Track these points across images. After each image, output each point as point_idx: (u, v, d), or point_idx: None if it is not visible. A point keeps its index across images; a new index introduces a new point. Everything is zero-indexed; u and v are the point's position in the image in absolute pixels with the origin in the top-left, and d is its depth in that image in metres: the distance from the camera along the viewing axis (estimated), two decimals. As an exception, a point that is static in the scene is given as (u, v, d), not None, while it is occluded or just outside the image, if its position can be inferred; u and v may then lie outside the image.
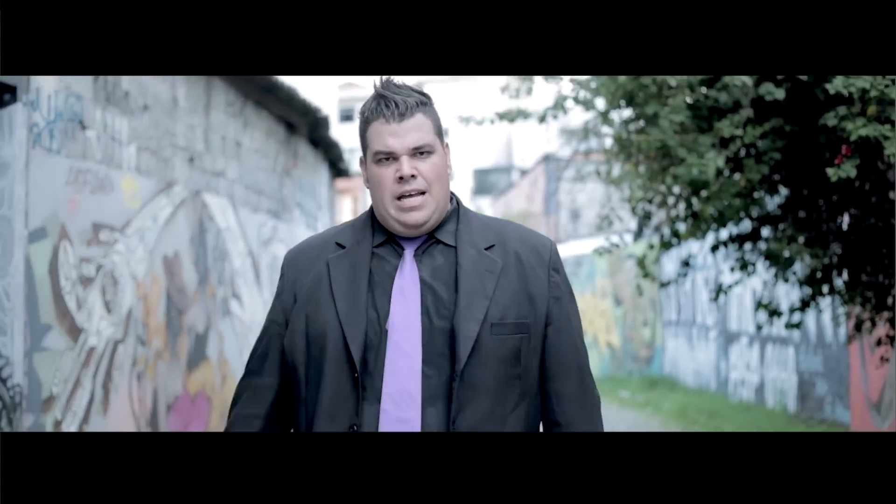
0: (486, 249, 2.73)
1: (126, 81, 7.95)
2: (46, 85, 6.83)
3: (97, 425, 7.26)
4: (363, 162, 2.81)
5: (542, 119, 7.18)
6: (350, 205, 35.58)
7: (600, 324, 22.92)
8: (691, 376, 18.30)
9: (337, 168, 17.26)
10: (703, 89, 6.24)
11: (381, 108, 2.70)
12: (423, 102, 2.74)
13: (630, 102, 6.85)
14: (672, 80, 5.95)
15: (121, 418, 7.64)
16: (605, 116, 7.18)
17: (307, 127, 14.01)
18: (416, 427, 2.63)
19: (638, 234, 8.24)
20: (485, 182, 42.07)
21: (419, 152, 2.71)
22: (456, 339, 2.62)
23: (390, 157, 2.70)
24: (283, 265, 2.90)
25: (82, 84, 7.27)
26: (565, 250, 23.32)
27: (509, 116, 7.47)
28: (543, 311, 2.73)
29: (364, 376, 2.67)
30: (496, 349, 2.65)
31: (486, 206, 37.86)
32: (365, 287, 2.69)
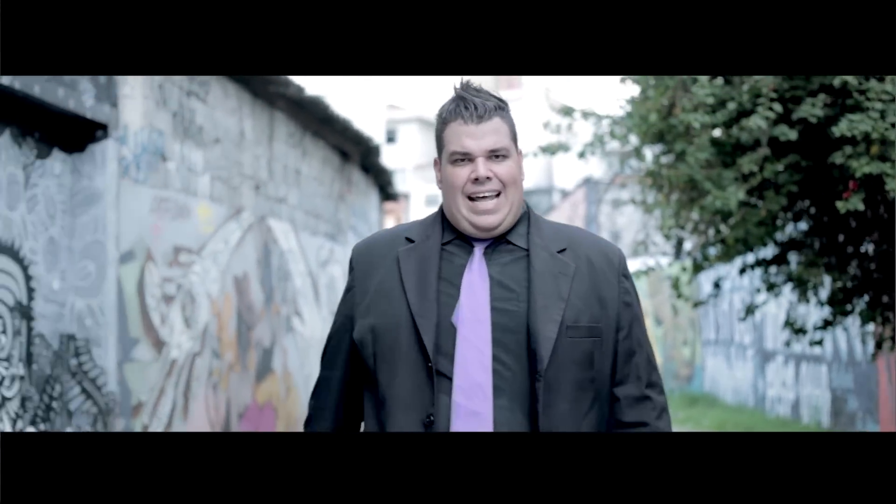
0: (559, 253, 2.73)
1: (200, 117, 8.63)
2: (133, 121, 7.51)
3: (179, 430, 7.90)
4: (437, 162, 2.82)
5: (582, 155, 7.78)
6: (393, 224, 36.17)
7: (641, 343, 23.37)
8: (730, 394, 18.74)
9: (385, 192, 17.91)
10: (723, 129, 6.83)
11: (460, 109, 2.70)
12: (501, 107, 2.75)
13: (660, 139, 7.43)
14: (696, 123, 6.52)
15: (199, 424, 8.28)
16: (637, 151, 7.78)
17: (359, 155, 14.66)
18: (487, 420, 2.62)
19: (677, 256, 8.79)
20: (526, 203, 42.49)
21: (495, 155, 2.71)
22: (535, 340, 2.61)
23: (466, 157, 2.71)
24: (351, 259, 2.89)
25: (163, 120, 7.95)
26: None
27: (551, 150, 8.05)
28: (615, 316, 2.72)
29: (439, 368, 2.66)
30: (571, 352, 2.64)
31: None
32: (435, 280, 2.68)
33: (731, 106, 6.61)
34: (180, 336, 8.05)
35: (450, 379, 2.65)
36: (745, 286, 16.73)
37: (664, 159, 7.73)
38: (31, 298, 6.82)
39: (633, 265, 13.55)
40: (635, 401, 2.75)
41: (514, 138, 2.77)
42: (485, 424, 2.61)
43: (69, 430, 6.92)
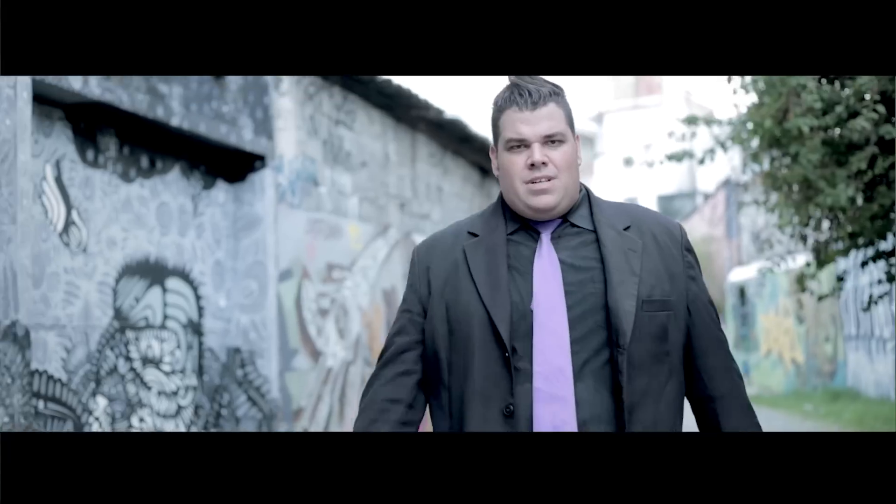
0: (624, 230, 2.70)
1: (347, 143, 9.22)
2: (287, 151, 8.12)
3: (336, 432, 8.48)
4: (493, 150, 2.77)
5: (702, 161, 8.11)
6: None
7: (784, 341, 23.26)
8: (872, 387, 18.59)
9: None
10: (837, 130, 7.10)
11: (514, 96, 2.65)
12: (556, 93, 2.69)
13: (776, 143, 7.72)
14: (806, 126, 6.82)
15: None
16: (755, 156, 8.08)
17: (499, 168, 15.12)
18: (570, 403, 2.58)
19: (806, 249, 9.03)
20: (669, 208, 42.42)
21: (551, 140, 2.65)
22: (615, 315, 2.58)
23: (522, 144, 2.65)
24: (413, 257, 2.83)
25: (314, 148, 8.55)
26: (749, 273, 23.78)
27: (677, 157, 8.39)
28: (683, 290, 2.70)
29: (515, 357, 2.60)
30: (647, 326, 2.60)
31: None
32: (505, 270, 2.64)
33: (839, 109, 6.88)
34: (335, 346, 8.63)
35: (528, 366, 2.58)
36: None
37: (780, 162, 8.02)
38: (201, 316, 7.48)
39: (760, 264, 13.63)
40: (715, 372, 2.73)
41: (570, 123, 2.70)
42: (568, 407, 2.57)
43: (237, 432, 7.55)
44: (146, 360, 6.86)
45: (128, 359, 6.66)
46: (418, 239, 11.08)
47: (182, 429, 7.18)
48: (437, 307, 2.69)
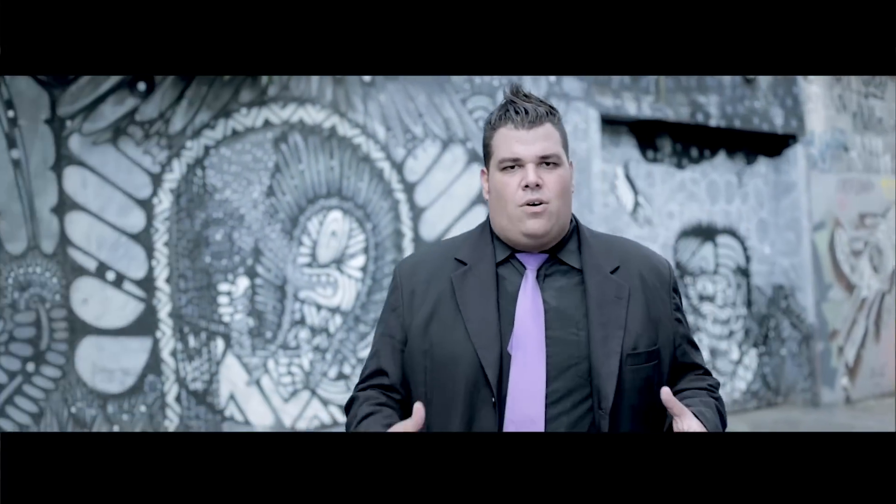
0: (612, 272, 2.41)
1: (878, 110, 10.51)
2: (817, 127, 9.71)
3: (871, 354, 9.98)
4: (484, 172, 2.51)
5: None
6: None
7: None
8: None
9: None
10: None
11: (510, 114, 2.40)
12: (552, 113, 2.44)
13: None
14: None
15: (890, 350, 10.25)
16: None
17: None
18: None
19: None
20: None
21: (546, 162, 2.39)
22: (597, 376, 2.30)
23: (516, 164, 2.39)
24: (396, 277, 2.54)
25: (844, 120, 10.02)
26: None
27: None
28: (670, 335, 2.43)
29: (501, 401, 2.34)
30: (633, 380, 2.32)
31: None
32: (494, 307, 2.37)
33: None
34: (869, 279, 10.09)
35: (501, 411, 2.33)
36: None
37: None
38: (748, 262, 9.42)
39: None
40: (695, 378, 2.51)
41: (565, 146, 2.45)
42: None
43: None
44: (702, 297, 8.99)
45: (687, 296, 8.84)
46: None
47: (735, 347, 9.22)
48: (420, 340, 2.41)
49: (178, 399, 6.04)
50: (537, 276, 2.43)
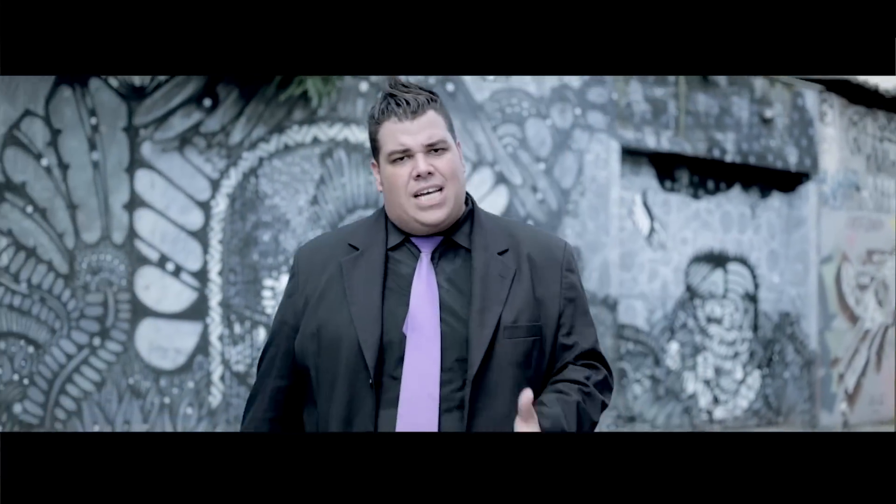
0: (500, 254, 2.45)
1: (893, 154, 11.00)
2: (830, 167, 10.26)
3: (872, 382, 10.48)
4: (374, 165, 2.51)
5: None
6: None
7: None
8: None
9: None
10: None
11: (391, 107, 2.41)
12: (433, 99, 2.45)
13: None
14: None
15: (890, 380, 10.74)
16: None
17: None
18: (433, 431, 2.34)
19: None
20: None
21: (434, 149, 2.41)
22: (469, 345, 2.34)
23: (405, 155, 2.40)
24: (294, 263, 2.58)
25: (857, 162, 10.55)
26: None
27: None
28: (556, 313, 2.44)
29: (381, 381, 2.37)
30: (509, 353, 2.36)
31: None
32: (379, 291, 2.40)
33: None
34: (874, 312, 10.60)
35: (396, 392, 2.36)
36: None
37: None
38: (756, 288, 9.99)
39: None
40: (573, 369, 2.47)
41: (450, 129, 2.48)
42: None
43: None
44: (710, 319, 9.57)
45: (695, 318, 9.43)
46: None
47: (739, 367, 9.78)
48: (309, 323, 2.45)
49: (222, 378, 6.76)
50: (431, 259, 2.46)
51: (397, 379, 2.37)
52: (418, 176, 2.40)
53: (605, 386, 2.52)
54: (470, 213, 2.52)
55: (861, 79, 10.61)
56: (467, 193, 2.54)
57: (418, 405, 2.34)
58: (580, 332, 2.50)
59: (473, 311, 2.37)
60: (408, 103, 2.41)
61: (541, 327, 2.43)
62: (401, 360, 2.37)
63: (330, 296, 2.44)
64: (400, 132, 2.41)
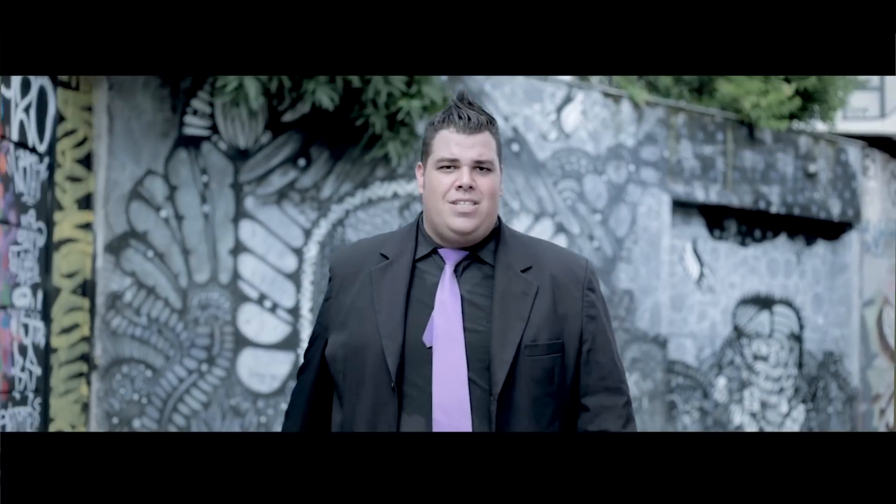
0: (523, 271, 2.53)
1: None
2: (873, 217, 10.84)
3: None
4: (420, 167, 2.63)
5: None
6: None
7: None
8: None
9: None
10: None
11: (453, 118, 2.52)
12: (492, 122, 2.57)
13: None
14: None
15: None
16: None
17: None
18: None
19: None
20: None
21: (480, 167, 2.51)
22: (491, 363, 2.43)
23: (453, 165, 2.51)
24: (331, 268, 2.69)
25: (902, 212, 11.11)
26: None
27: None
28: (577, 330, 2.52)
29: (406, 387, 2.46)
30: (530, 370, 2.45)
31: None
32: (403, 300, 2.49)
33: None
34: (916, 353, 11.13)
35: (422, 397, 2.46)
36: None
37: None
38: (801, 329, 10.60)
39: None
40: (600, 410, 2.53)
41: (499, 154, 2.59)
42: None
43: (826, 418, 10.53)
44: (756, 357, 10.21)
45: (742, 355, 10.08)
46: None
47: (784, 401, 10.38)
48: (340, 329, 2.56)
49: (310, 402, 7.63)
50: (455, 271, 2.54)
51: (419, 386, 2.47)
52: (460, 187, 2.50)
53: (630, 420, 2.58)
54: (496, 231, 2.61)
55: (900, 135, 11.22)
56: (498, 216, 2.63)
57: (451, 410, 2.44)
58: (601, 348, 2.57)
59: (495, 331, 2.47)
60: (469, 118, 2.52)
61: (563, 344, 2.51)
62: (423, 366, 2.47)
63: (359, 304, 2.54)
64: (454, 143, 2.52)
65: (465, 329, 2.47)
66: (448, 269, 2.54)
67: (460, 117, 2.52)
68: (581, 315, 2.55)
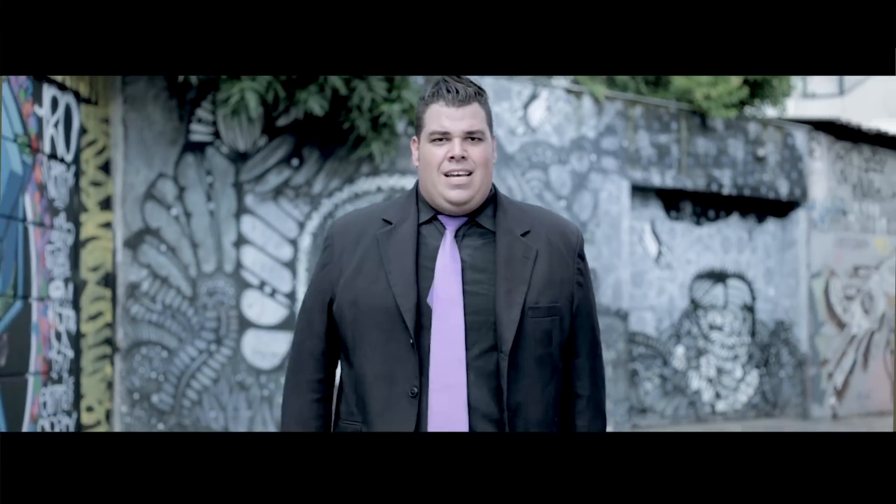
0: (523, 235, 2.59)
1: (877, 182, 12.44)
2: (819, 196, 11.75)
3: (859, 380, 11.95)
4: (415, 141, 2.66)
5: None
6: None
7: None
8: None
9: None
10: None
11: (442, 91, 2.56)
12: (480, 94, 2.59)
13: None
14: None
15: (876, 377, 12.18)
16: None
17: None
18: (462, 391, 2.49)
19: None
20: None
21: (471, 137, 2.55)
22: (499, 323, 2.50)
23: (444, 137, 2.55)
24: (328, 236, 2.69)
25: (844, 191, 12.02)
26: None
27: None
28: (570, 295, 2.60)
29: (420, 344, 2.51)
30: (533, 331, 2.52)
31: None
32: (413, 261, 2.54)
33: None
34: (860, 319, 12.06)
35: (426, 355, 2.52)
36: None
37: None
38: (753, 300, 11.52)
39: None
40: (584, 373, 2.66)
41: (489, 123, 2.63)
42: (460, 395, 2.50)
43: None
44: (712, 327, 11.13)
45: (698, 326, 11.00)
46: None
47: (738, 367, 11.31)
48: (347, 292, 2.58)
49: (308, 376, 8.51)
50: (455, 236, 2.58)
51: (427, 344, 2.52)
52: (452, 158, 2.53)
53: (600, 414, 2.70)
54: (493, 198, 2.65)
55: (845, 118, 12.11)
56: (493, 184, 2.67)
57: (447, 367, 2.49)
58: (587, 313, 2.67)
59: (500, 292, 2.52)
60: (457, 91, 2.55)
61: (559, 307, 2.59)
62: (428, 326, 2.52)
63: (367, 266, 2.57)
64: (444, 116, 2.55)
65: (466, 292, 2.53)
66: (449, 235, 2.59)
67: (448, 91, 2.56)
68: (573, 281, 2.63)
